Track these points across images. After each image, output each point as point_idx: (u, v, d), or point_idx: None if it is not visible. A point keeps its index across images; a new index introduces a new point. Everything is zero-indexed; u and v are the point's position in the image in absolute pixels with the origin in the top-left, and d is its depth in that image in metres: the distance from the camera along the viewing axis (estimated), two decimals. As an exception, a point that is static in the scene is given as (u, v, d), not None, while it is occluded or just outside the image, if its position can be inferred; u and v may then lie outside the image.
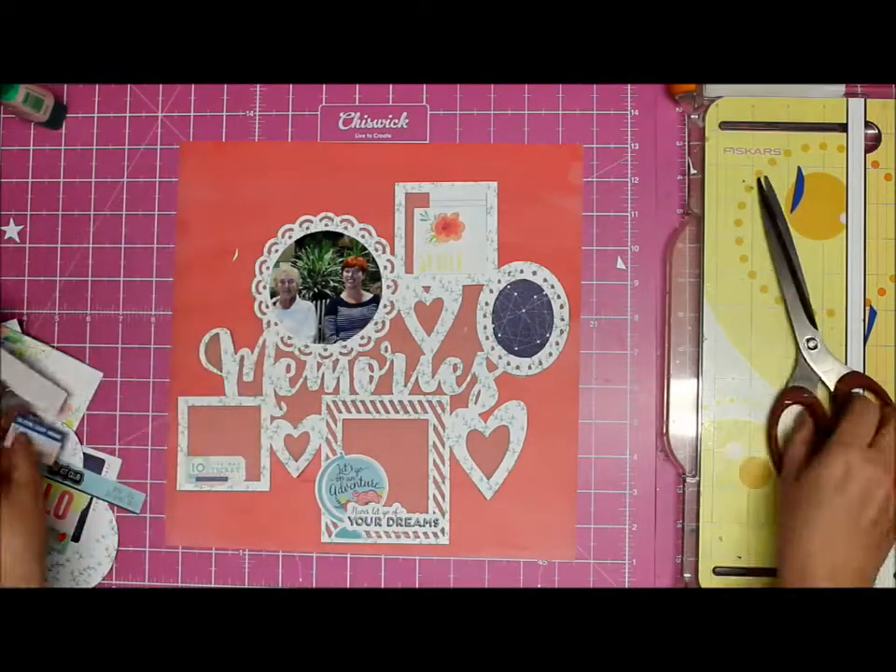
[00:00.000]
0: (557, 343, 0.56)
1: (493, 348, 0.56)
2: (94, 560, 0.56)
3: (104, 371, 0.57)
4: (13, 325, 0.57)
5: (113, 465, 0.57)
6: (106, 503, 0.57)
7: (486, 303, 0.57)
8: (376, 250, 0.57)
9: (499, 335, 0.57)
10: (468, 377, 0.56)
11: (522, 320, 0.57)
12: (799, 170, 0.55)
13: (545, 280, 0.57)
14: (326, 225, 0.58)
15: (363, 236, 0.57)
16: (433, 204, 0.57)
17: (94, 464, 0.57)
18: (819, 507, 0.46)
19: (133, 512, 0.57)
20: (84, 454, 0.57)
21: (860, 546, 0.46)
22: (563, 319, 0.56)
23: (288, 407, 0.57)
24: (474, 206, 0.57)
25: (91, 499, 0.57)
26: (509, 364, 0.56)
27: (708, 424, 0.54)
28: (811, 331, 0.54)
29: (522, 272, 0.57)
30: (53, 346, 0.57)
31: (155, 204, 0.58)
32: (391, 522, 0.56)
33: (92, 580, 0.56)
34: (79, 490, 0.57)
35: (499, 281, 0.57)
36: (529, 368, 0.56)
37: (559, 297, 0.57)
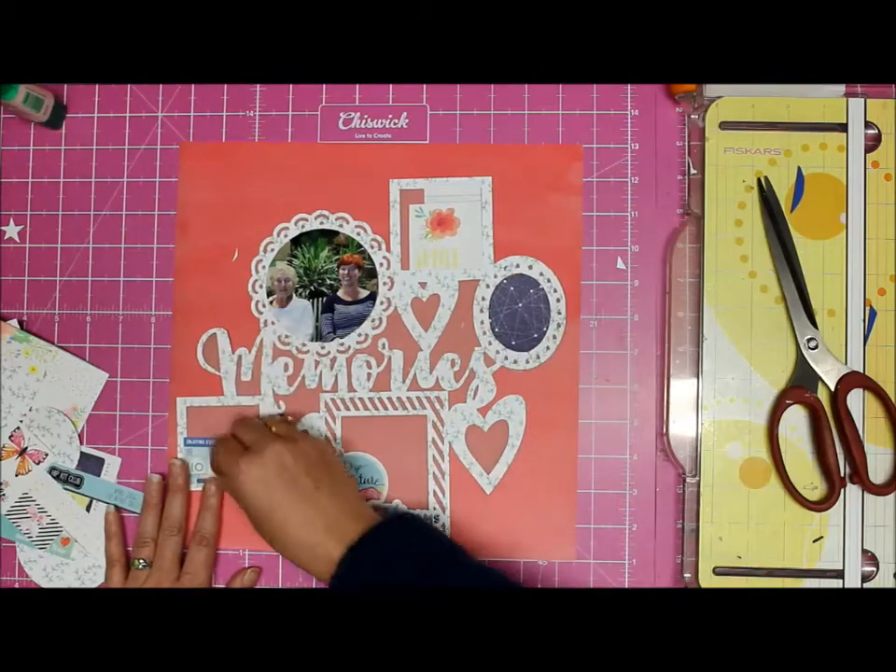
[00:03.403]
0: (554, 337, 0.56)
1: (490, 343, 0.56)
2: (99, 559, 0.56)
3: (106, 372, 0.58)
4: (15, 325, 0.57)
5: (113, 464, 0.57)
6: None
7: (483, 298, 0.57)
8: (372, 247, 0.57)
9: (496, 330, 0.57)
10: (465, 372, 0.56)
11: (519, 315, 0.57)
12: (799, 170, 0.55)
13: (541, 274, 0.57)
14: (321, 223, 0.58)
15: (358, 233, 0.57)
16: (428, 200, 0.57)
17: (94, 463, 0.57)
18: None
19: (135, 513, 0.57)
20: (83, 453, 0.57)
21: None
22: (560, 313, 0.56)
23: (287, 406, 0.57)
24: (469, 202, 0.57)
25: (92, 500, 0.57)
26: (506, 359, 0.56)
27: (708, 424, 0.54)
28: (811, 331, 0.54)
29: (518, 266, 0.57)
30: (59, 346, 0.57)
31: (155, 204, 0.58)
32: (391, 521, 0.56)
33: (98, 578, 0.56)
34: (80, 493, 0.57)
35: (495, 276, 0.57)
36: (527, 362, 0.56)
37: (555, 291, 0.57)
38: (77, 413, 0.57)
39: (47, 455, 0.57)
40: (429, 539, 0.49)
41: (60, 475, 0.57)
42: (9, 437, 0.57)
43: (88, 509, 0.57)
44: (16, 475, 0.57)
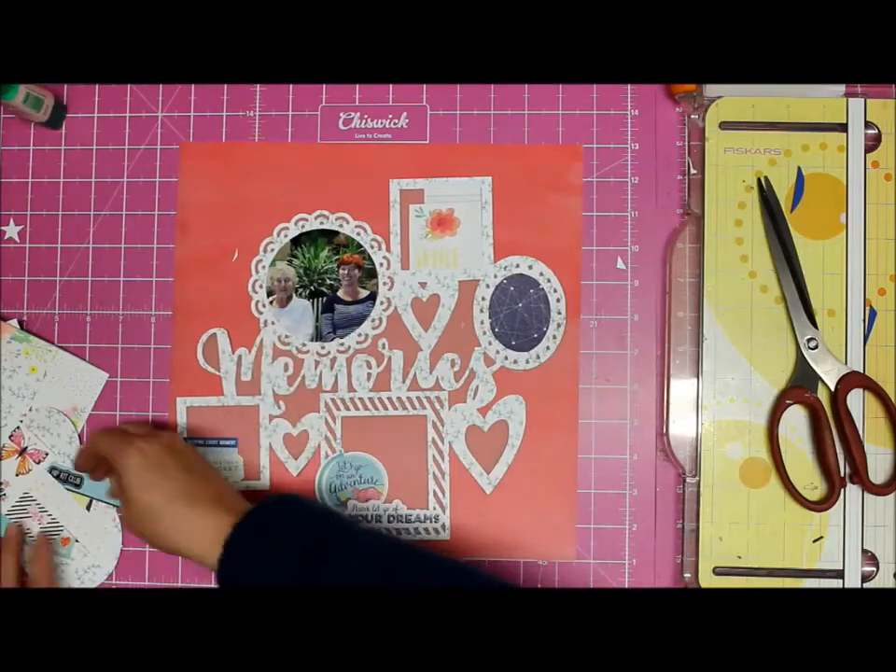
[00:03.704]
0: (554, 337, 0.56)
1: (490, 343, 0.56)
2: (99, 558, 0.56)
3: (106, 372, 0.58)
4: (15, 325, 0.57)
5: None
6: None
7: (483, 298, 0.57)
8: (372, 247, 0.57)
9: (496, 330, 0.57)
10: (465, 372, 0.56)
11: (519, 315, 0.57)
12: (799, 170, 0.55)
13: (541, 274, 0.57)
14: (321, 223, 0.58)
15: (358, 233, 0.57)
16: (428, 200, 0.57)
17: (94, 463, 0.57)
18: None
19: None
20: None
21: None
22: (560, 313, 0.56)
23: (287, 406, 0.57)
24: (469, 202, 0.57)
25: (91, 500, 0.57)
26: (506, 359, 0.56)
27: (708, 424, 0.54)
28: (811, 331, 0.54)
29: (518, 266, 0.57)
30: (59, 346, 0.57)
31: (155, 204, 0.58)
32: (392, 518, 0.56)
33: (98, 577, 0.56)
34: (80, 493, 0.57)
35: (495, 276, 0.57)
36: (527, 362, 0.56)
37: (555, 291, 0.57)
38: (76, 413, 0.57)
39: (47, 454, 0.57)
40: (322, 518, 0.49)
41: (60, 475, 0.57)
42: (9, 436, 0.57)
43: (88, 508, 0.57)
44: (16, 475, 0.57)
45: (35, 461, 0.57)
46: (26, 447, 0.57)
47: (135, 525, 0.49)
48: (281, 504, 0.49)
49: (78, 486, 0.57)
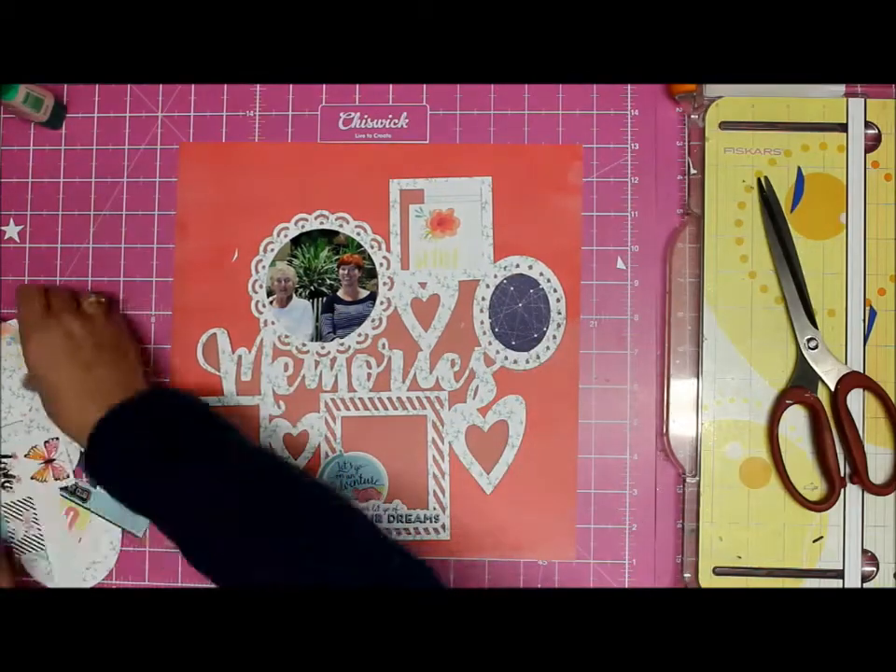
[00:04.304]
0: (554, 337, 0.56)
1: (490, 343, 0.56)
2: (100, 554, 0.56)
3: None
4: (15, 325, 0.57)
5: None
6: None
7: (483, 298, 0.57)
8: (372, 247, 0.57)
9: (496, 330, 0.57)
10: (465, 372, 0.56)
11: (518, 315, 0.57)
12: (799, 170, 0.55)
13: (541, 274, 0.57)
14: (321, 223, 0.58)
15: (358, 233, 0.57)
16: (428, 200, 0.57)
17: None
18: None
19: (135, 535, 0.56)
20: (82, 452, 0.57)
21: None
22: (560, 313, 0.57)
23: (287, 406, 0.57)
24: (469, 202, 0.57)
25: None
26: (506, 359, 0.56)
27: (708, 424, 0.54)
28: (812, 331, 0.54)
29: (518, 266, 0.57)
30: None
31: (155, 204, 0.58)
32: (392, 518, 0.56)
33: (99, 574, 0.56)
34: (85, 508, 0.57)
35: (495, 276, 0.57)
36: (527, 362, 0.56)
37: (555, 291, 0.57)
38: None
39: (69, 475, 0.57)
40: (195, 419, 0.51)
41: (68, 487, 0.57)
42: (45, 442, 0.57)
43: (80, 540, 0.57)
44: (31, 477, 0.57)
45: (54, 476, 0.57)
46: (54, 459, 0.57)
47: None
48: (151, 400, 0.51)
49: (85, 500, 0.57)
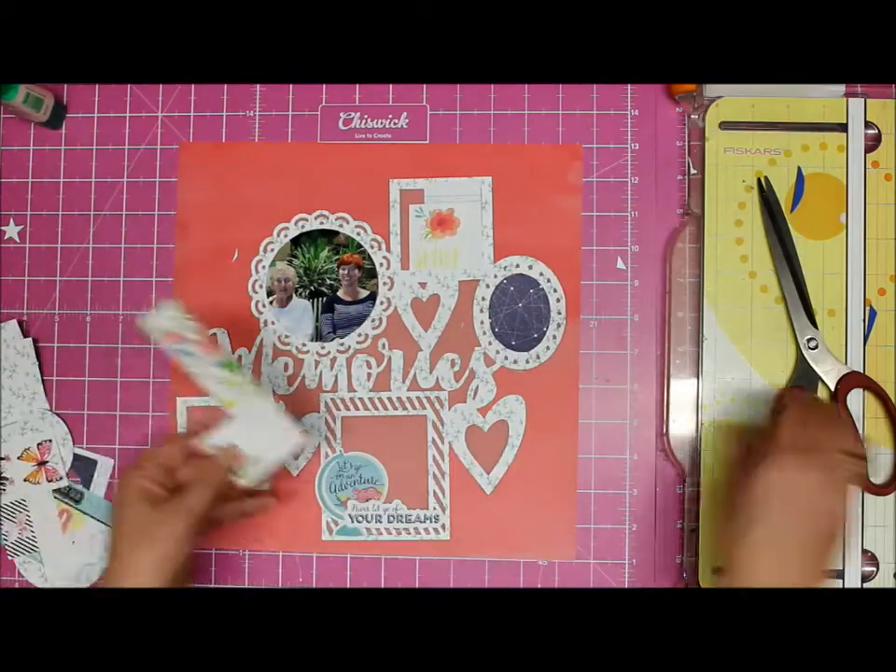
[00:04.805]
0: (554, 337, 0.56)
1: (490, 343, 0.56)
2: (93, 555, 0.56)
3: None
4: (15, 325, 0.57)
5: (105, 465, 0.57)
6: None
7: (483, 298, 0.57)
8: (372, 247, 0.57)
9: (496, 330, 0.57)
10: (465, 372, 0.56)
11: (518, 315, 0.57)
12: (799, 170, 0.55)
13: (541, 274, 0.57)
14: (321, 223, 0.58)
15: (358, 233, 0.57)
16: (428, 200, 0.57)
17: (86, 464, 0.57)
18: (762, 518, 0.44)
19: None
20: (76, 454, 0.57)
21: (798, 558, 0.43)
22: (560, 313, 0.57)
23: (287, 406, 0.57)
24: (469, 202, 0.57)
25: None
26: (506, 359, 0.56)
27: (708, 424, 0.54)
28: (812, 331, 0.54)
29: (518, 266, 0.57)
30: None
31: (155, 204, 0.58)
32: (392, 518, 0.56)
33: (92, 575, 0.56)
34: (78, 510, 0.57)
35: (495, 276, 0.57)
36: (527, 362, 0.56)
37: (555, 291, 0.57)
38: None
39: (61, 477, 0.57)
40: None
41: (61, 489, 0.57)
42: (38, 444, 0.57)
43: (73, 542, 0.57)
44: (24, 479, 0.57)
45: (47, 478, 0.57)
46: (47, 461, 0.57)
47: None
48: None
49: (78, 502, 0.57)
